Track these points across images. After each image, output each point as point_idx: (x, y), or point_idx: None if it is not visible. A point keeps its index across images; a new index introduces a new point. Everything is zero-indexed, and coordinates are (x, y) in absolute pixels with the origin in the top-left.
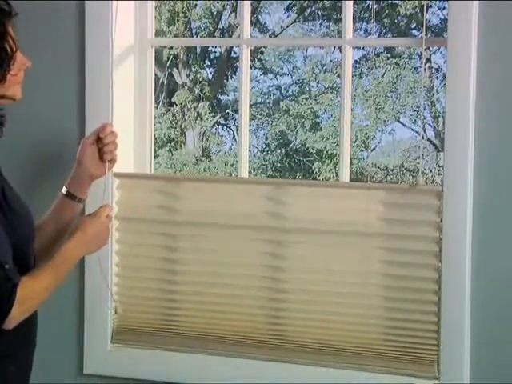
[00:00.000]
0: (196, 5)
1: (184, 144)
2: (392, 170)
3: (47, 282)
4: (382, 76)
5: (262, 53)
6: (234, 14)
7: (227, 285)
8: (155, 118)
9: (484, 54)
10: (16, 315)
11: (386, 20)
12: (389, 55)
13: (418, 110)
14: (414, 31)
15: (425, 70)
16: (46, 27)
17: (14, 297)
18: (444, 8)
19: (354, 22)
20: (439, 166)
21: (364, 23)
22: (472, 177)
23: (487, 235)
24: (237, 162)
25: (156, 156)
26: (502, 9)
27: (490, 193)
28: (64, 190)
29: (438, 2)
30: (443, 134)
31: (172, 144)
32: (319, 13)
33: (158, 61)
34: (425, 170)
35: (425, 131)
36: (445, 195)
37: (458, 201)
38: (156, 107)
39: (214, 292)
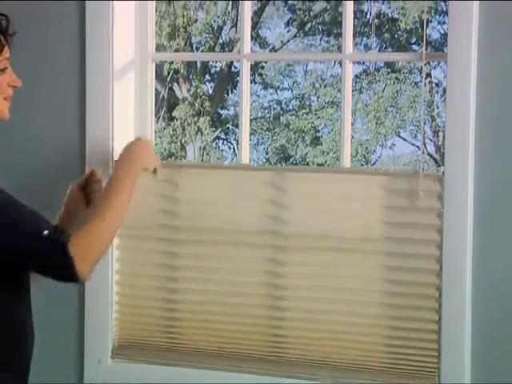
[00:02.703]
0: (196, 20)
1: (184, 158)
2: None
3: (100, 227)
4: (382, 91)
5: (262, 67)
6: (234, 29)
7: (228, 293)
8: (156, 132)
9: (484, 68)
10: (85, 269)
11: (386, 35)
12: (389, 70)
13: (418, 124)
14: (414, 46)
15: (425, 84)
16: (46, 41)
17: (68, 256)
18: (444, 23)
19: (354, 37)
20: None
21: (364, 38)
22: (472, 191)
23: (488, 244)
24: None
25: None
26: (503, 23)
27: (490, 211)
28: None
29: (438, 16)
30: (443, 148)
31: (172, 158)
32: (319, 27)
33: (159, 75)
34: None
35: (425, 146)
36: (445, 215)
37: (457, 220)
38: (156, 122)
39: (215, 306)
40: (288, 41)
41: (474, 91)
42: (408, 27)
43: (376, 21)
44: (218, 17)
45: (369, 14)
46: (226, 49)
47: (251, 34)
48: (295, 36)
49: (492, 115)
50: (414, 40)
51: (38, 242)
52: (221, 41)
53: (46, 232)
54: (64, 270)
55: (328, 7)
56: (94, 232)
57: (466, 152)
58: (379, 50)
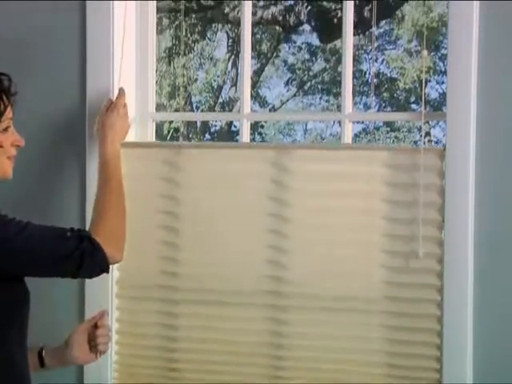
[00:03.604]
0: (196, 79)
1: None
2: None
3: (112, 206)
4: None
5: (262, 126)
6: (234, 88)
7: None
8: None
9: (483, 127)
10: (114, 251)
11: (385, 94)
12: (388, 129)
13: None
14: (413, 105)
15: (424, 143)
16: (48, 106)
17: (97, 246)
18: (443, 82)
19: (353, 96)
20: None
21: (363, 97)
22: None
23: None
24: None
25: None
26: (501, 80)
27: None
28: (38, 349)
29: (436, 76)
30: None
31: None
32: (319, 87)
33: (159, 134)
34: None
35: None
36: (445, 275)
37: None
38: None
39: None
40: (287, 100)
41: (473, 149)
42: (407, 87)
43: (375, 80)
44: (218, 76)
45: (368, 73)
46: (226, 108)
47: (251, 93)
48: (295, 95)
49: (492, 169)
50: (413, 99)
51: (67, 244)
52: (221, 100)
53: (68, 233)
54: (97, 260)
55: (327, 67)
56: (107, 217)
57: (466, 207)
58: (378, 109)
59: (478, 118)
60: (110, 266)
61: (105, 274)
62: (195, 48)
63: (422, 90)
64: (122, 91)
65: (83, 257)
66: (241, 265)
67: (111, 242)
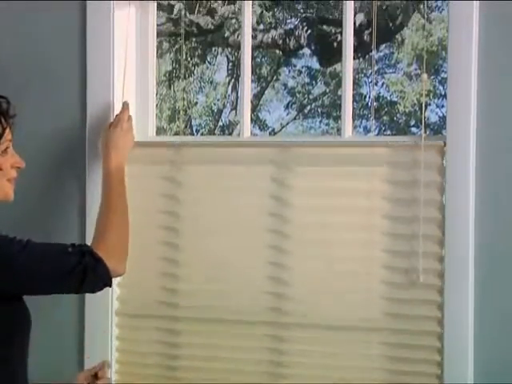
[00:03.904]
0: (196, 103)
1: None
2: None
3: (114, 221)
4: None
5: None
6: (234, 112)
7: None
8: None
9: (482, 150)
10: (116, 265)
11: (385, 117)
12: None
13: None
14: (412, 128)
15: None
16: (48, 127)
17: (99, 260)
18: (442, 106)
19: (353, 120)
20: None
21: (363, 120)
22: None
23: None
24: None
25: None
26: (500, 109)
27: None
28: None
29: (436, 99)
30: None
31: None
32: (319, 110)
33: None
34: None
35: None
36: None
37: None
38: None
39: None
40: (287, 123)
41: (472, 176)
42: (407, 110)
43: (375, 104)
44: (218, 100)
45: (368, 97)
46: (226, 131)
47: (251, 117)
48: (295, 118)
49: (492, 197)
50: (413, 122)
51: (69, 259)
52: (221, 123)
53: (70, 248)
54: (99, 274)
55: (327, 90)
56: (109, 231)
57: (466, 238)
58: (378, 133)
59: (477, 143)
60: (113, 280)
61: (106, 289)
62: (195, 71)
63: (421, 113)
64: (125, 105)
65: (86, 271)
66: (241, 282)
67: (113, 255)
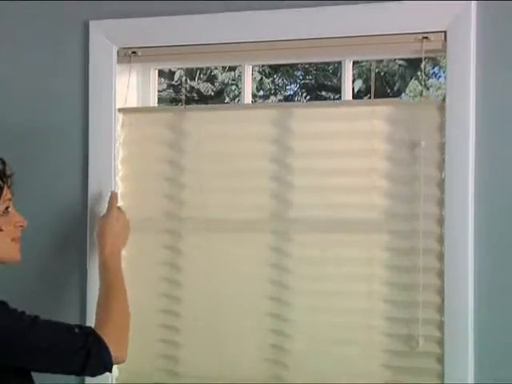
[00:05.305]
0: None
1: None
2: None
3: (115, 309)
4: None
5: None
6: None
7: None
8: None
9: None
10: (118, 352)
11: None
12: None
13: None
14: None
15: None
16: (50, 208)
17: (103, 343)
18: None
19: None
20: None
21: None
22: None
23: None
24: None
25: None
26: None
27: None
28: None
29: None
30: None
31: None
32: None
33: None
34: None
35: None
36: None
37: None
38: None
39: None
40: None
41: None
42: None
43: None
44: None
45: None
46: None
47: None
48: None
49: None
50: None
51: (76, 341)
52: None
53: (76, 329)
54: (102, 360)
55: None
56: (112, 318)
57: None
58: None
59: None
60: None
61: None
62: None
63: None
64: (113, 193)
65: (89, 355)
66: (240, 350)
67: (117, 342)
